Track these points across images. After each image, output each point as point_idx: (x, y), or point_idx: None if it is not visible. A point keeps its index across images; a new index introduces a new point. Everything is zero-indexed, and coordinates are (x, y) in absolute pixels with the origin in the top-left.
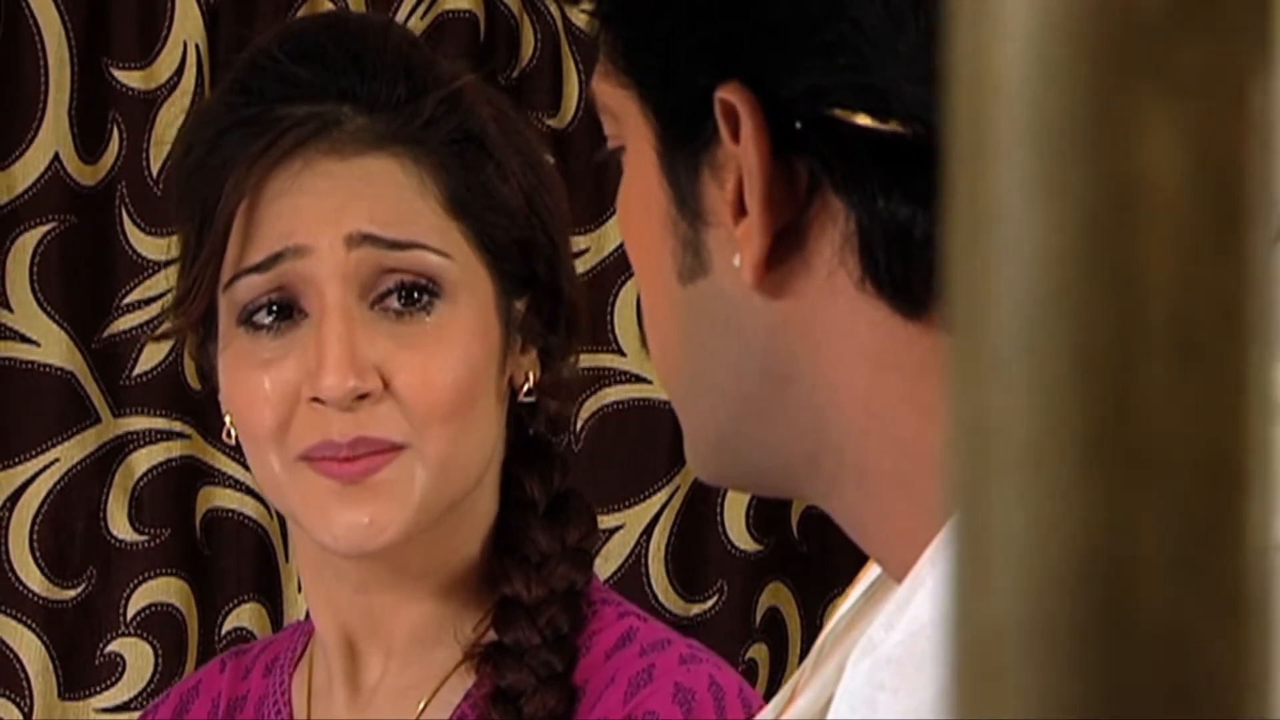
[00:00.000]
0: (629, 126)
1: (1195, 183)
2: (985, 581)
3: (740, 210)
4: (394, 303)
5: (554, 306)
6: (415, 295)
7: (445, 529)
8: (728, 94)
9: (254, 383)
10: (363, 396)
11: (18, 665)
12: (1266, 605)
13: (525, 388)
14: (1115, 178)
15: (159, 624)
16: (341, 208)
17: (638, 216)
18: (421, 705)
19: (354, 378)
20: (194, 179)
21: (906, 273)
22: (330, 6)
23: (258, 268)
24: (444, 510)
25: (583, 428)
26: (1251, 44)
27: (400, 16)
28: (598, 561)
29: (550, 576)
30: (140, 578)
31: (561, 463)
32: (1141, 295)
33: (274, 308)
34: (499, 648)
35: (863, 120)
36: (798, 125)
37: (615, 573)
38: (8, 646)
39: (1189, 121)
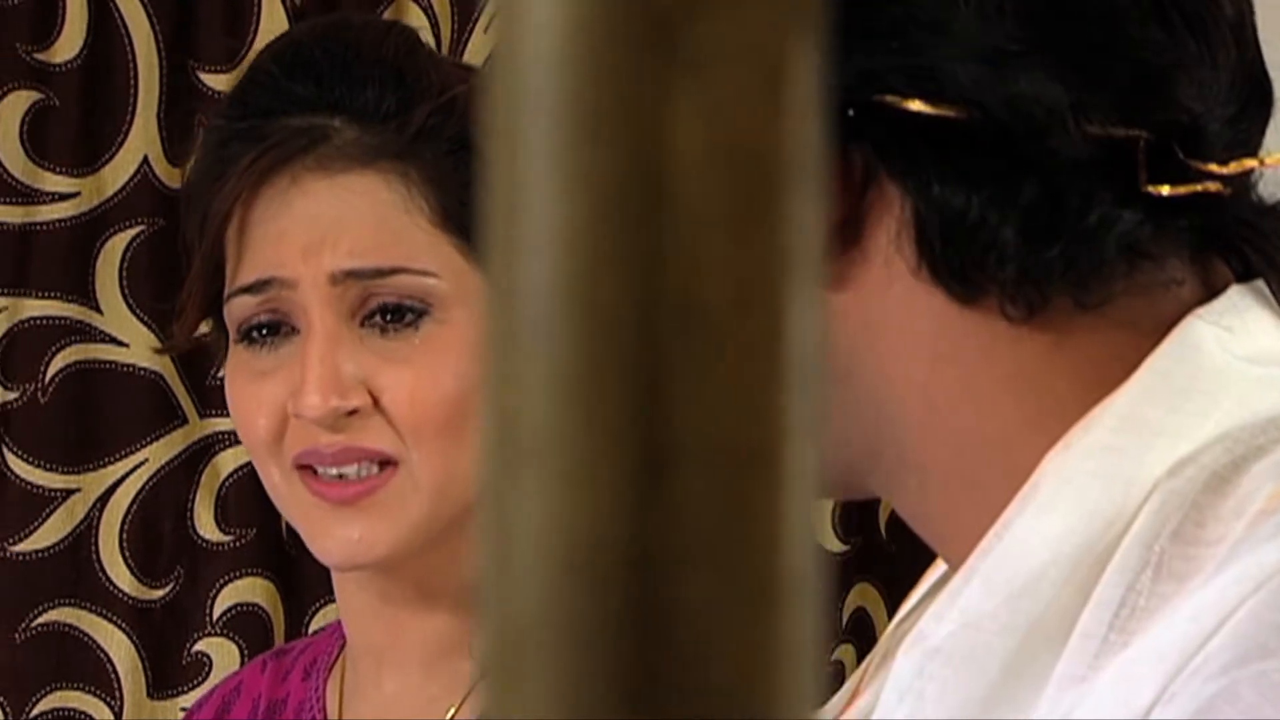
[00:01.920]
0: None
1: (716, 162)
2: (510, 573)
3: None
4: (381, 320)
5: None
6: (401, 314)
7: (463, 541)
8: None
9: (249, 393)
10: (351, 413)
11: (108, 664)
12: (800, 599)
13: None
14: (632, 157)
15: (245, 624)
16: (323, 241)
17: None
18: (451, 713)
19: (335, 398)
20: (196, 191)
21: (962, 259)
22: (416, 10)
23: (249, 289)
24: (445, 526)
25: None
26: (785, 17)
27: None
28: None
29: None
30: (226, 578)
31: None
32: (662, 279)
33: (266, 324)
34: None
35: (916, 105)
36: (850, 113)
37: None
38: (99, 646)
39: (709, 99)
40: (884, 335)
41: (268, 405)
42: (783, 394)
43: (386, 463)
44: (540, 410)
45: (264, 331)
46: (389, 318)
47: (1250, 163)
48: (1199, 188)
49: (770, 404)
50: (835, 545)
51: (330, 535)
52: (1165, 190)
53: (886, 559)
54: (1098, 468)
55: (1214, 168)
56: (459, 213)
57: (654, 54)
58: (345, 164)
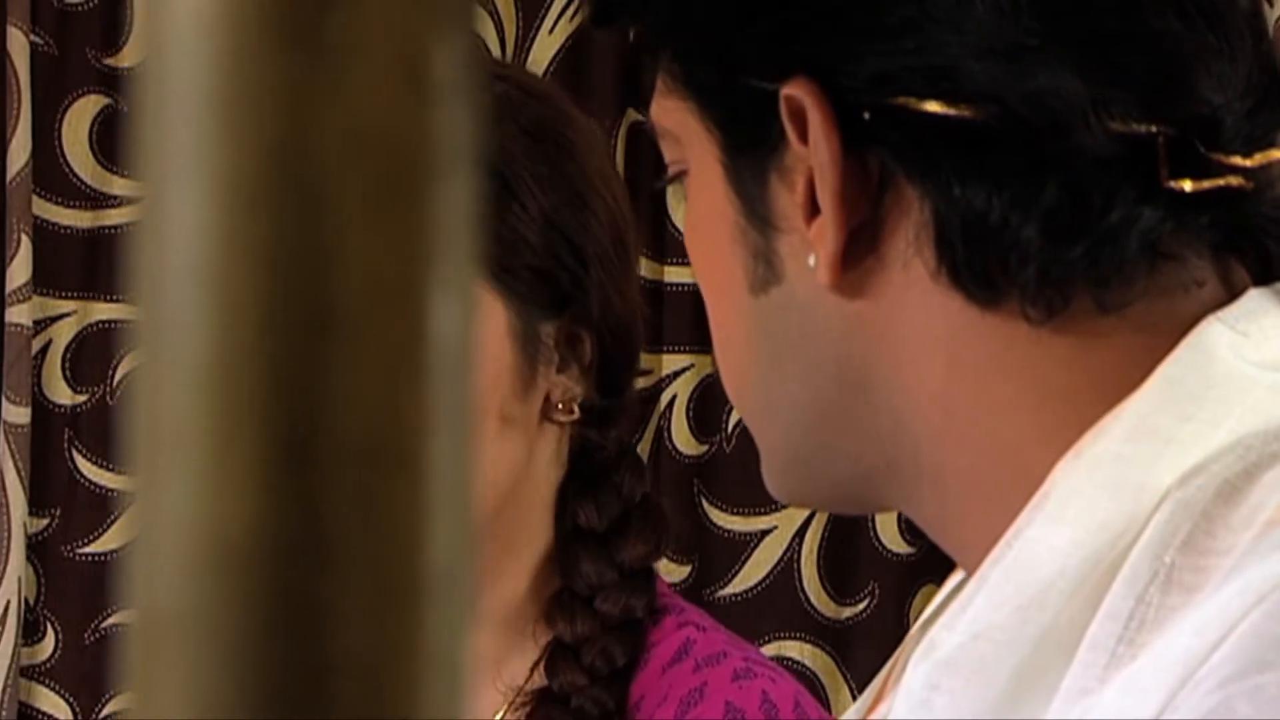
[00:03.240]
0: (691, 144)
1: (353, 154)
2: (149, 568)
3: (812, 211)
4: None
5: (586, 328)
6: None
7: (484, 556)
8: (793, 90)
9: None
10: None
11: None
12: (445, 598)
13: (563, 405)
14: (269, 148)
15: None
16: None
17: (706, 234)
18: (499, 716)
19: None
20: None
21: (985, 260)
22: (480, 11)
23: None
24: None
25: (734, 429)
26: (424, 4)
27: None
28: (750, 564)
29: (602, 605)
30: None
31: (632, 480)
32: (297, 271)
33: None
34: (546, 694)
35: (934, 106)
36: (866, 116)
37: (767, 576)
38: None
39: (346, 89)
40: (899, 343)
41: None
42: (424, 390)
43: None
44: (177, 403)
45: None
46: None
47: (1276, 153)
48: (1221, 182)
49: (410, 400)
50: (902, 547)
51: None
52: (1188, 186)
53: (952, 561)
54: (1107, 477)
55: (1238, 160)
56: None
57: (290, 44)
58: None
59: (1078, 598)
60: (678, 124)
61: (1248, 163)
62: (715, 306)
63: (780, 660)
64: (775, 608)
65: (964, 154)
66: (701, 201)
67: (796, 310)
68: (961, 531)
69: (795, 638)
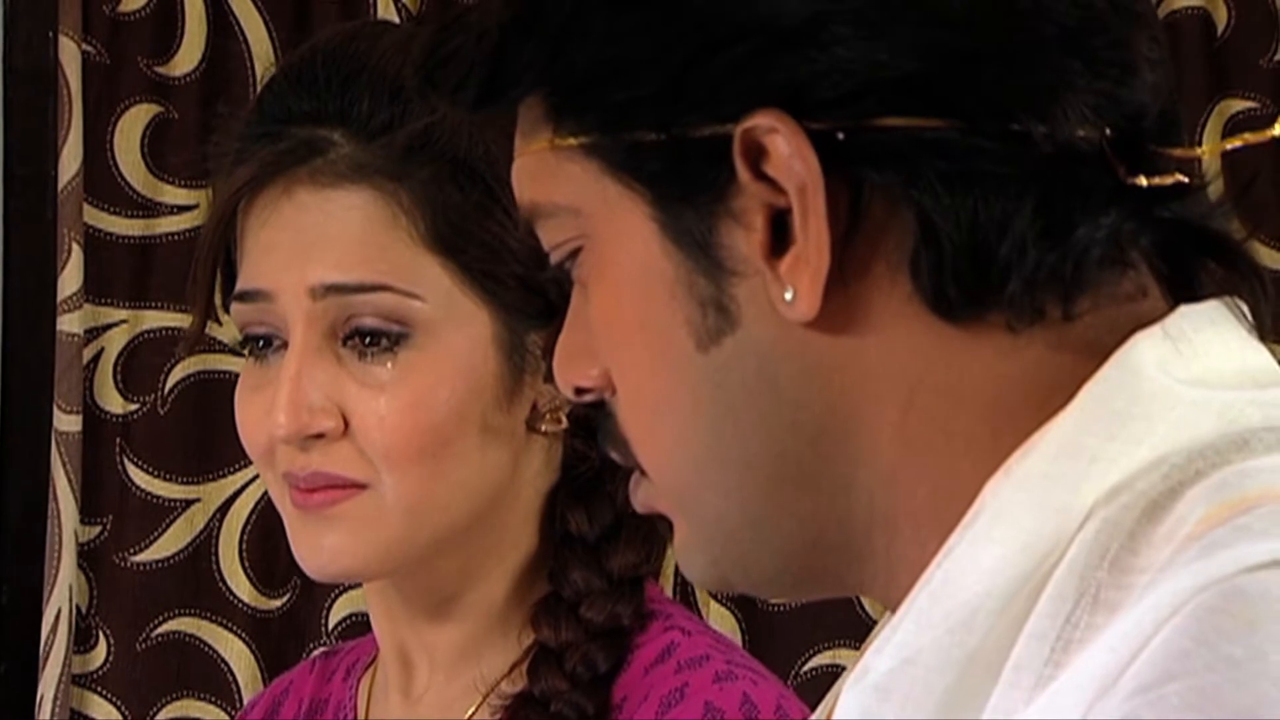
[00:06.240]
0: (602, 210)
1: None
2: None
3: (775, 248)
4: (359, 343)
5: None
6: (377, 338)
7: (464, 557)
8: (758, 122)
9: (248, 405)
10: (319, 436)
11: (228, 673)
12: None
13: (550, 415)
14: None
15: (360, 633)
16: (306, 254)
17: (632, 301)
18: (469, 713)
19: (301, 420)
20: (214, 191)
21: (974, 272)
22: None
23: (240, 297)
24: (424, 547)
25: None
26: None
27: None
28: None
29: (587, 613)
30: (341, 587)
31: (626, 490)
32: None
33: (261, 337)
34: (527, 698)
35: (907, 121)
36: (840, 137)
37: None
38: (220, 655)
39: None
40: (862, 377)
41: (261, 419)
42: None
43: (354, 485)
44: None
45: (260, 344)
46: (366, 341)
47: (1237, 141)
48: (1173, 179)
49: None
50: None
51: (303, 544)
52: (1144, 181)
53: None
54: (1033, 497)
55: (1198, 150)
56: (449, 234)
57: None
58: (335, 179)
59: (1005, 618)
60: (581, 193)
61: (1201, 152)
62: (647, 376)
63: (834, 669)
64: (829, 616)
65: (946, 164)
66: (621, 267)
67: (753, 356)
68: (910, 576)
69: (849, 646)
